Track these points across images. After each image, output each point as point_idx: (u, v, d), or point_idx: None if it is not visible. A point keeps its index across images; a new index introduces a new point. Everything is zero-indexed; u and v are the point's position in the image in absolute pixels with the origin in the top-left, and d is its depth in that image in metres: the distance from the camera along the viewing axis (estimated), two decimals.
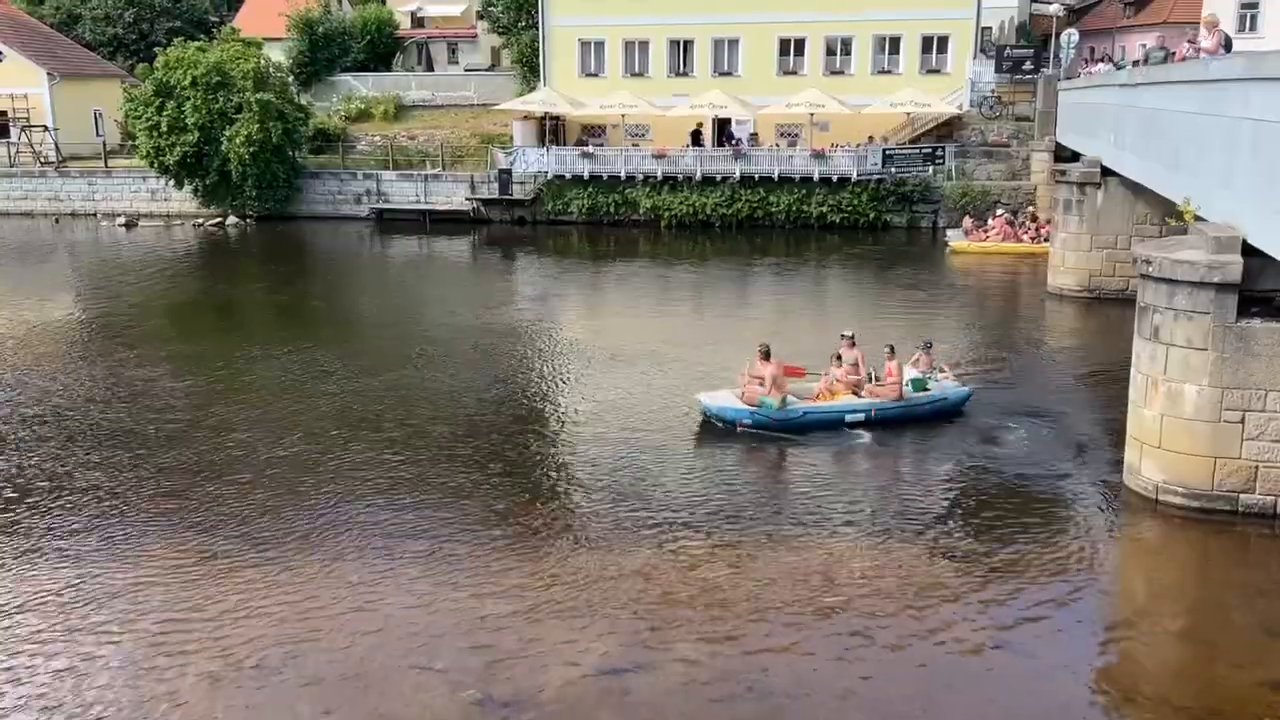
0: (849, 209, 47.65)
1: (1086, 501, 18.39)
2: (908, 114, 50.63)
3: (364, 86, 61.60)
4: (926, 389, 22.07)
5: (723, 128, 53.14)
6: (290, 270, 41.90)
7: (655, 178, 48.63)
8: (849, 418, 21.41)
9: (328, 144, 56.82)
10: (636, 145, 51.96)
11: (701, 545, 16.20)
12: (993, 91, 50.61)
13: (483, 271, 41.98)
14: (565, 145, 53.23)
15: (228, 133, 51.20)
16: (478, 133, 56.65)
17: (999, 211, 44.14)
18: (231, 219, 54.61)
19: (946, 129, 51.49)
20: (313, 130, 56.23)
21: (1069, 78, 45.08)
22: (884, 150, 48.67)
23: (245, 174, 51.79)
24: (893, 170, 47.75)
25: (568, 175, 50.03)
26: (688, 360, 26.29)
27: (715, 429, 21.26)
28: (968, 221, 43.73)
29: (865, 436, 21.15)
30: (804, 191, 47.77)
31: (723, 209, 48.36)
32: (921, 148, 49.32)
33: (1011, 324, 32.10)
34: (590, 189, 49.72)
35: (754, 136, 52.82)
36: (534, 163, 50.91)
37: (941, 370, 23.11)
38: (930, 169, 48.10)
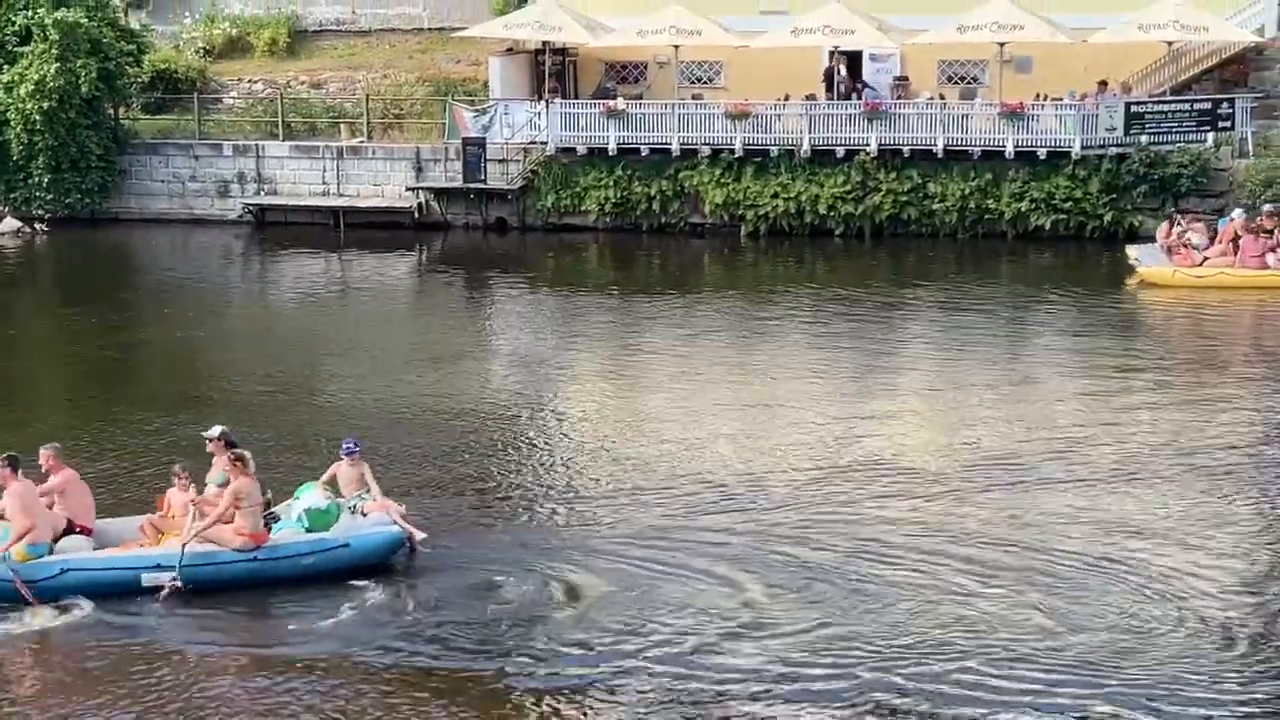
0: (1067, 206, 40.04)
1: None
2: (1168, 44, 41.80)
3: None
4: (328, 528, 17.46)
5: (848, 68, 44.98)
6: (101, 310, 36.73)
7: (731, 152, 42.01)
8: (148, 578, 17.18)
9: (175, 96, 49.22)
10: (699, 98, 44.71)
11: None
12: None
13: (428, 313, 37.96)
14: (578, 98, 46.31)
15: (3, 76, 43.86)
16: (428, 77, 49.66)
17: (1235, 214, 35.44)
18: (8, 222, 45.77)
19: (1235, 70, 43.38)
20: (149, 73, 48.24)
21: None
22: (1128, 105, 40.42)
23: (33, 147, 44.28)
24: (1144, 139, 39.88)
25: (581, 148, 43.28)
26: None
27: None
28: (1165, 229, 35.58)
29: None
30: (988, 176, 40.35)
31: (848, 205, 41.09)
32: (1193, 100, 41.48)
33: None
34: (619, 172, 42.92)
35: (901, 82, 44.54)
36: (524, 127, 43.83)
37: (367, 495, 18.27)
38: (1209, 137, 39.97)
